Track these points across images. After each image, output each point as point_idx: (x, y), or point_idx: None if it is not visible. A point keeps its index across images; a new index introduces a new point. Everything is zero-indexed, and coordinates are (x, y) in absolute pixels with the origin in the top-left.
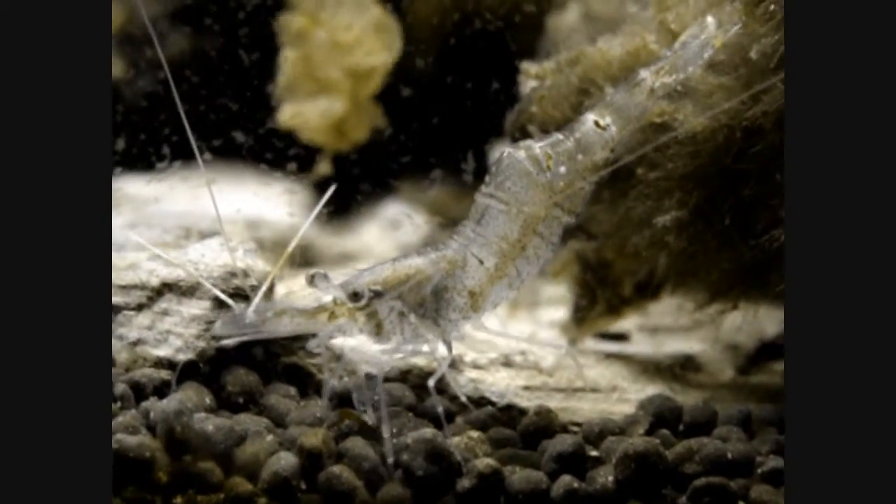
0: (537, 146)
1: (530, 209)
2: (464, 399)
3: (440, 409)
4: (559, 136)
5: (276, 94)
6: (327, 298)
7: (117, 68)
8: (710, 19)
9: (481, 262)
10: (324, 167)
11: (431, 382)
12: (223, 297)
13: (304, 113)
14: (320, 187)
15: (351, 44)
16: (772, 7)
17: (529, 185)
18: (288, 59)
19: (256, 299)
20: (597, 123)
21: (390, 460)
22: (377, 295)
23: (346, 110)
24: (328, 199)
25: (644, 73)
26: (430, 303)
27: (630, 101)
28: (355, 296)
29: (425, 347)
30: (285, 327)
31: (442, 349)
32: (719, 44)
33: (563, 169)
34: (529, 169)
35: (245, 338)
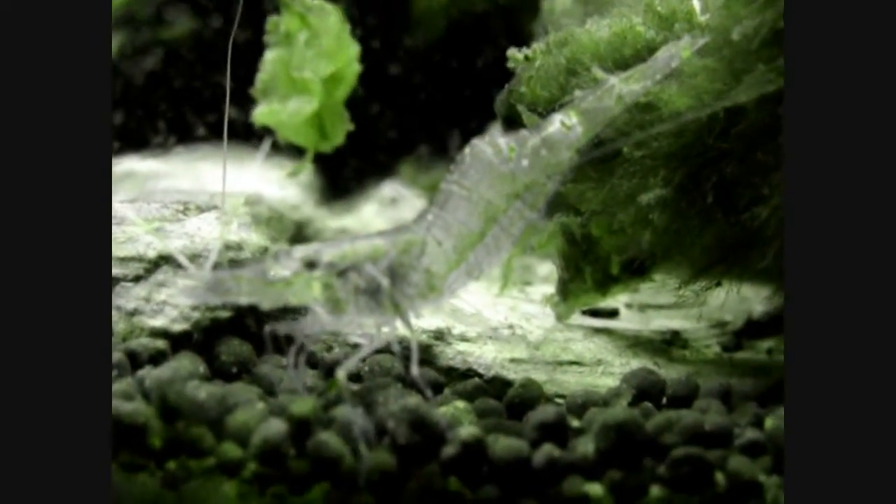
0: (502, 139)
1: (491, 198)
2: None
3: (428, 393)
4: (525, 132)
5: (254, 94)
6: (287, 272)
7: (116, 46)
8: (695, 2)
9: (440, 244)
10: (306, 166)
11: (415, 371)
12: (184, 260)
13: (276, 112)
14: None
15: (330, 50)
16: None
17: (491, 175)
18: (267, 60)
19: (210, 260)
20: (563, 123)
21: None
22: (332, 266)
23: (319, 111)
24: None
25: (613, 80)
26: (385, 278)
27: (598, 106)
28: (311, 265)
29: (385, 328)
30: (243, 293)
31: (401, 327)
32: (686, 55)
33: (525, 162)
34: (493, 160)
35: (205, 301)
